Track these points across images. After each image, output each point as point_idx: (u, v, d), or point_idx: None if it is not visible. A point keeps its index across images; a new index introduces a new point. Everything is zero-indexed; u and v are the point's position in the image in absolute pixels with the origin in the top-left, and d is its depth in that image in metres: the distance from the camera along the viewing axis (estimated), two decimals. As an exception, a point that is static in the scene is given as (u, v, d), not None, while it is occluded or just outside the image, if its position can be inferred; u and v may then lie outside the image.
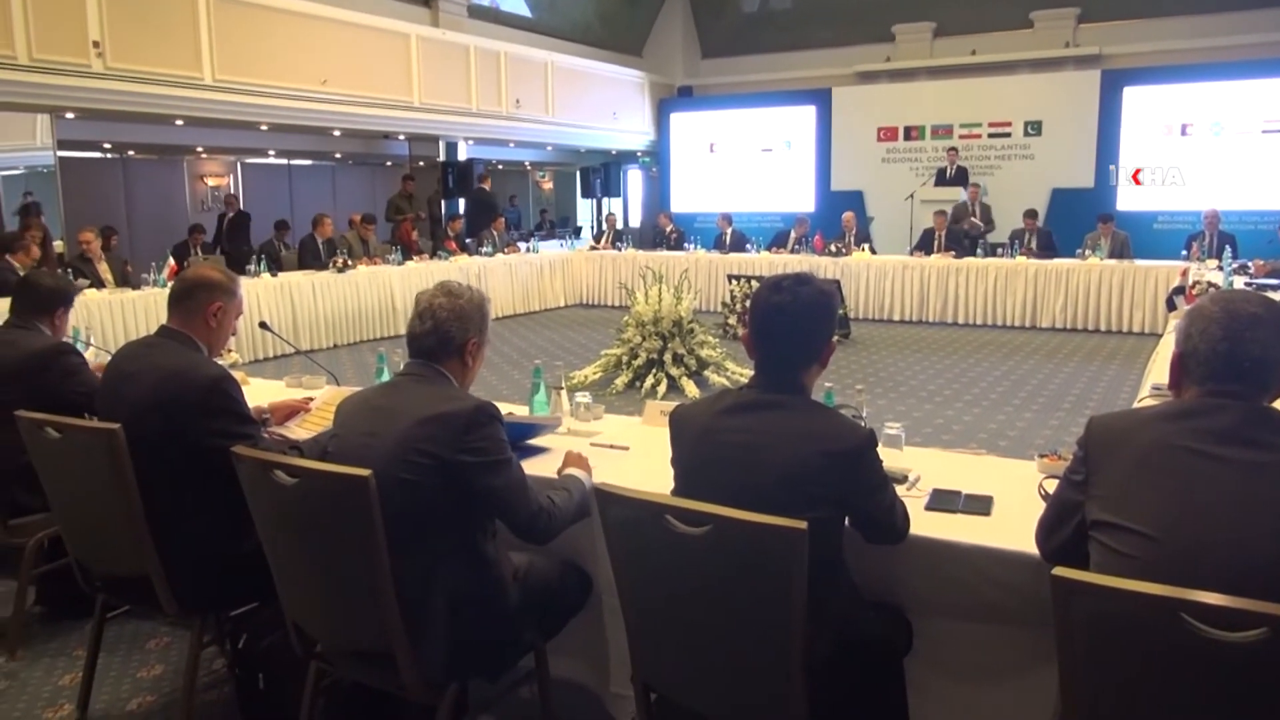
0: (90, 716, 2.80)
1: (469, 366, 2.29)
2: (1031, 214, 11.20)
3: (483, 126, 13.22)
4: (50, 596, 3.49)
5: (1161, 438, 1.64)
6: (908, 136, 14.47)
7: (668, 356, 7.16)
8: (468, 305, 2.25)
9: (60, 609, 3.42)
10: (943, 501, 2.27)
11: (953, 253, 10.91)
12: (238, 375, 3.01)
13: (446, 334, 2.22)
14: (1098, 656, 1.49)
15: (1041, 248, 10.76)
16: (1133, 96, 12.88)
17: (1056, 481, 1.91)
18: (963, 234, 11.37)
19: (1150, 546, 1.57)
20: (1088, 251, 10.44)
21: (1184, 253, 10.00)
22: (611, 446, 2.86)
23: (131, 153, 14.15)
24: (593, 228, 16.45)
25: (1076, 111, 13.18)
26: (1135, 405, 3.71)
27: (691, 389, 6.88)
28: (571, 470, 2.48)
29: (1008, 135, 13.77)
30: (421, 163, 13.68)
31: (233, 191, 14.47)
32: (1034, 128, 13.60)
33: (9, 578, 3.60)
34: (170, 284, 3.26)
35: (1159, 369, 4.17)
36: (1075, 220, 11.77)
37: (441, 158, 13.33)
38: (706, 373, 7.25)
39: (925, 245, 11.29)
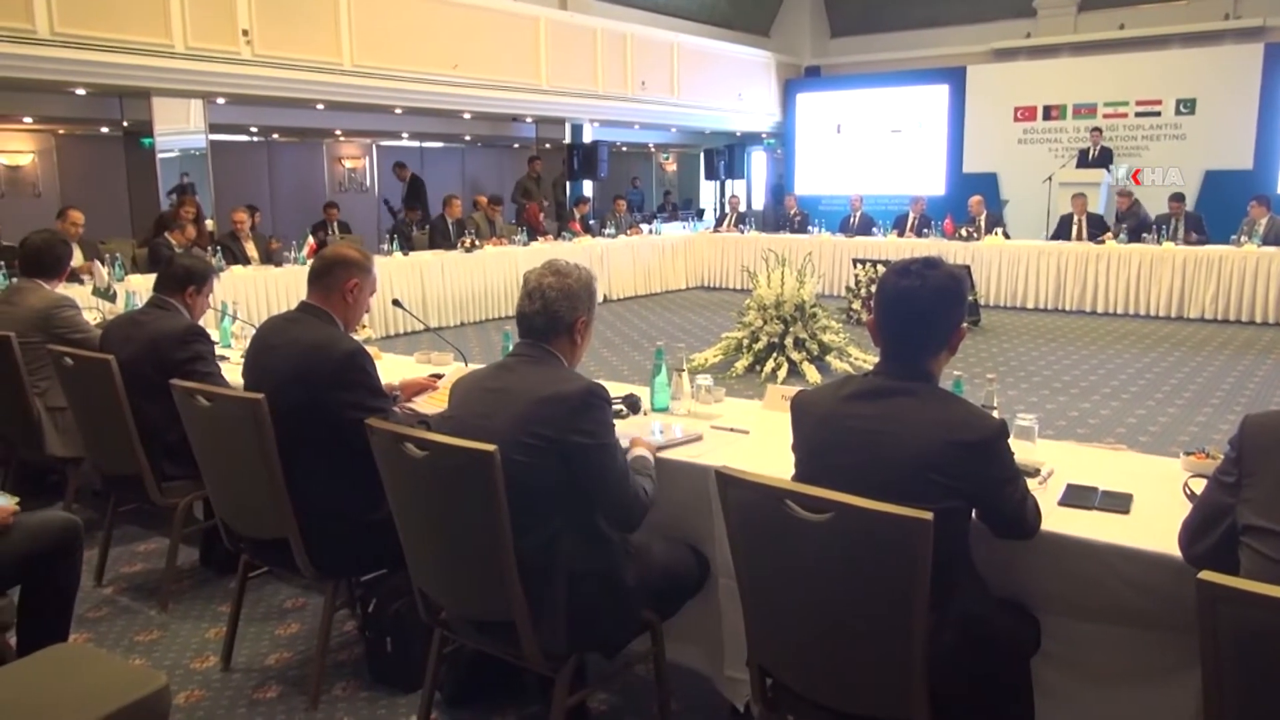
0: (233, 668, 2.97)
1: (577, 345, 2.30)
2: (1178, 197, 10.54)
3: (608, 108, 13.32)
4: (212, 558, 3.73)
5: (1326, 438, 1.53)
6: (1047, 116, 13.86)
7: (789, 341, 7.08)
8: (576, 284, 2.26)
9: (220, 567, 3.65)
10: (1078, 497, 2.18)
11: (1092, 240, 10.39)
12: (371, 350, 3.12)
13: (555, 313, 2.23)
14: (1247, 668, 1.40)
15: (1189, 232, 10.11)
16: (1300, 71, 12.02)
17: (1204, 481, 1.81)
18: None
19: (1310, 555, 1.46)
20: (1243, 237, 9.78)
21: (1354, 239, 9.30)
22: (732, 430, 2.85)
23: (275, 136, 14.83)
24: (716, 210, 16.33)
25: (1235, 88, 12.39)
26: (1294, 403, 3.48)
27: (813, 374, 6.79)
28: (639, 451, 2.44)
29: (1157, 114, 13.04)
30: (548, 145, 13.87)
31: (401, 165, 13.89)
32: (1187, 106, 12.83)
33: (163, 536, 3.88)
34: (310, 261, 3.39)
35: (1322, 364, 3.88)
36: (1231, 204, 11.02)
37: (567, 140, 13.50)
38: (828, 358, 7.14)
39: (1063, 234, 10.74)
